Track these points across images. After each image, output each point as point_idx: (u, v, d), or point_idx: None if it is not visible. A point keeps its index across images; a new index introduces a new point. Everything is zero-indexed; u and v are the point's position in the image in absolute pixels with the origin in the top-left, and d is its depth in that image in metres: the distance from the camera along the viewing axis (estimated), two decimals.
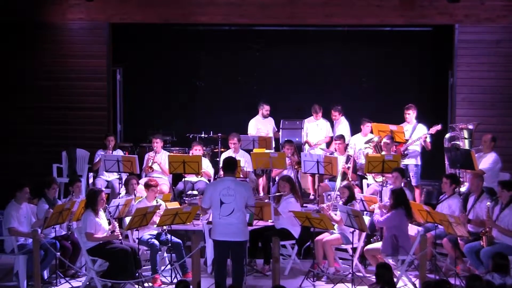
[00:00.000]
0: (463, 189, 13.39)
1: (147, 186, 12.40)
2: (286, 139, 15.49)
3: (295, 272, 12.39)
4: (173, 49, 18.31)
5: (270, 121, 16.44)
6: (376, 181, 14.02)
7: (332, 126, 16.21)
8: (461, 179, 13.60)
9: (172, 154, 14.93)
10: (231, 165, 10.54)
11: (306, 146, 16.00)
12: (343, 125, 16.00)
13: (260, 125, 16.24)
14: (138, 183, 13.26)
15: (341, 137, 14.98)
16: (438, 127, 14.38)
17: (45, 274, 11.76)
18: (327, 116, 16.27)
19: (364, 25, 16.87)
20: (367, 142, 14.73)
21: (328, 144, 16.01)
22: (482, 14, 15.95)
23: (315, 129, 16.03)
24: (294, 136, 15.81)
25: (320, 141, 15.93)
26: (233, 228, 10.15)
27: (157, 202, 12.28)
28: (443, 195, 12.36)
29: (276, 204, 12.55)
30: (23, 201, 11.68)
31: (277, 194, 12.83)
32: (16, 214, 11.54)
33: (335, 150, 14.99)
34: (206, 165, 14.84)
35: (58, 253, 11.38)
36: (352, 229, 11.51)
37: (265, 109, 16.31)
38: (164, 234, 11.95)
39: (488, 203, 11.30)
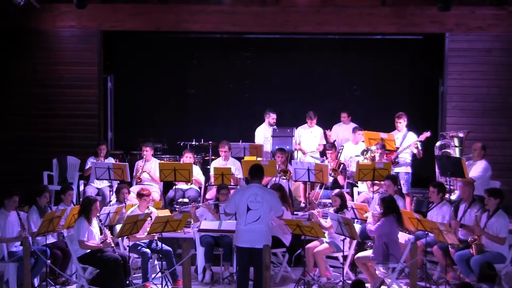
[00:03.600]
0: (453, 197, 13.43)
1: (140, 195, 12.37)
2: (277, 147, 15.46)
3: (286, 280, 12.38)
4: (165, 57, 18.30)
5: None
6: (372, 191, 13.96)
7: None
8: (451, 187, 13.64)
9: (163, 161, 14.91)
10: (258, 172, 10.63)
11: (299, 153, 15.98)
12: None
13: (268, 134, 16.14)
14: (129, 192, 13.25)
15: (333, 146, 15.02)
16: (428, 133, 14.42)
17: (36, 281, 11.72)
18: (322, 123, 16.29)
19: (355, 33, 16.93)
20: (363, 153, 14.64)
21: (322, 153, 15.98)
22: (473, 22, 16.03)
23: (308, 136, 16.00)
24: (285, 144, 15.78)
25: (315, 152, 15.90)
26: (259, 235, 10.23)
27: (148, 209, 12.26)
28: (433, 203, 12.38)
29: None
30: (12, 209, 11.64)
31: None
32: (3, 222, 11.51)
33: (326, 158, 15.01)
34: (197, 173, 14.83)
35: (49, 261, 11.34)
36: (343, 237, 11.52)
37: (271, 117, 16.25)
38: (155, 243, 11.94)
39: (476, 211, 11.33)
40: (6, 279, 11.49)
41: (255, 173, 10.62)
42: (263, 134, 16.16)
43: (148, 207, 12.39)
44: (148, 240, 12.03)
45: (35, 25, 16.50)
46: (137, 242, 11.91)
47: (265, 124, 16.27)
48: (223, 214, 12.06)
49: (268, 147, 15.93)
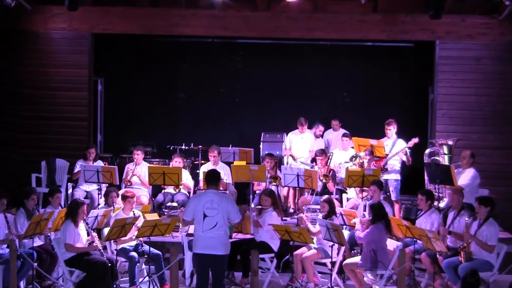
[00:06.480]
0: (442, 204, 13.45)
1: (124, 197, 12.35)
2: (267, 152, 15.47)
3: (274, 286, 12.33)
4: (155, 61, 18.31)
5: (321, 141, 16.56)
6: (361, 197, 13.96)
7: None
8: (440, 195, 13.66)
9: (152, 165, 14.89)
10: (214, 178, 10.48)
11: (290, 159, 15.98)
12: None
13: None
14: (118, 195, 13.20)
15: (323, 152, 15.05)
16: (416, 140, 14.42)
17: (22, 284, 11.65)
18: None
19: (346, 39, 16.98)
20: (351, 159, 14.66)
21: (313, 159, 15.97)
22: (463, 31, 16.09)
23: (299, 142, 16.02)
24: (274, 149, 15.81)
25: (306, 158, 15.91)
26: (215, 242, 10.06)
27: (134, 214, 12.22)
28: (421, 210, 12.39)
29: (257, 216, 12.54)
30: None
31: (258, 207, 12.79)
32: None
33: (316, 164, 15.02)
34: (186, 177, 14.81)
35: (35, 264, 11.28)
36: (331, 243, 11.51)
37: (319, 129, 16.43)
38: (141, 246, 11.91)
39: (467, 218, 11.33)
40: None
41: (211, 179, 10.45)
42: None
43: (132, 209, 12.38)
44: (135, 243, 12.01)
45: (26, 27, 16.47)
46: (125, 246, 11.88)
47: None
48: None
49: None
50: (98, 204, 14.04)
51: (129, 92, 18.38)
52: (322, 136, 16.64)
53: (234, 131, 17.98)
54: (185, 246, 12.29)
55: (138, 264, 11.83)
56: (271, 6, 16.58)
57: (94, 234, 11.57)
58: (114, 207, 12.70)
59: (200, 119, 18.25)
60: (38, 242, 11.95)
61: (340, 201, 14.59)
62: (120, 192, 13.77)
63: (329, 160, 15.01)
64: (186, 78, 18.57)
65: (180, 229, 12.92)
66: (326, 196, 12.65)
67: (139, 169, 14.90)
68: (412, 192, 15.04)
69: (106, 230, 11.89)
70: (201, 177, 14.53)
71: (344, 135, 15.49)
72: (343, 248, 11.86)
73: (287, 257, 12.61)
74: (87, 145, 15.51)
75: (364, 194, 13.60)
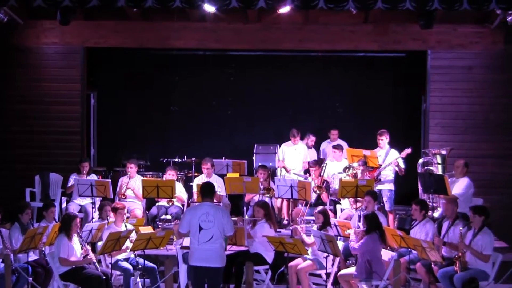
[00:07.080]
0: (436, 214, 13.46)
1: (115, 210, 12.36)
2: (260, 163, 15.48)
3: None
4: (148, 74, 18.30)
5: (313, 152, 16.59)
6: (355, 208, 13.95)
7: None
8: (434, 204, 13.67)
9: (145, 178, 14.88)
10: (209, 190, 10.46)
11: (283, 171, 15.98)
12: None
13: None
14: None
15: (316, 163, 15.05)
16: (408, 150, 14.43)
17: None
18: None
19: (338, 50, 17.01)
20: (345, 170, 14.67)
21: (306, 170, 15.97)
22: (455, 40, 16.14)
23: (292, 154, 16.01)
24: (268, 161, 15.80)
25: (300, 170, 15.90)
26: (211, 254, 10.02)
27: (126, 227, 12.20)
28: (415, 220, 12.39)
29: (251, 228, 12.52)
30: None
31: (251, 219, 12.78)
32: None
33: (309, 175, 15.02)
34: (179, 190, 14.79)
35: (30, 278, 11.26)
36: (325, 254, 11.50)
37: (310, 139, 16.44)
38: (133, 258, 11.89)
39: (461, 228, 11.33)
40: None
41: (206, 191, 10.43)
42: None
43: (123, 221, 12.37)
44: (126, 255, 11.99)
45: (18, 42, 16.46)
46: (119, 259, 11.86)
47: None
48: None
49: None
50: (92, 218, 14.02)
51: (121, 105, 18.37)
52: (314, 146, 16.65)
53: (227, 143, 17.97)
54: (180, 258, 12.25)
55: (132, 277, 11.81)
56: (262, 18, 16.60)
57: (88, 247, 11.55)
58: (108, 221, 12.68)
59: (193, 131, 18.24)
60: (32, 256, 11.89)
61: (334, 212, 14.59)
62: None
63: (322, 171, 15.01)
64: (178, 91, 18.58)
65: (174, 242, 12.90)
66: (321, 207, 12.64)
67: (133, 182, 14.88)
68: (406, 202, 15.03)
69: (100, 244, 11.86)
70: (194, 189, 14.52)
71: (334, 147, 15.51)
72: (337, 259, 11.85)
73: (282, 268, 12.58)
74: (80, 159, 15.50)
75: (358, 204, 13.59)
